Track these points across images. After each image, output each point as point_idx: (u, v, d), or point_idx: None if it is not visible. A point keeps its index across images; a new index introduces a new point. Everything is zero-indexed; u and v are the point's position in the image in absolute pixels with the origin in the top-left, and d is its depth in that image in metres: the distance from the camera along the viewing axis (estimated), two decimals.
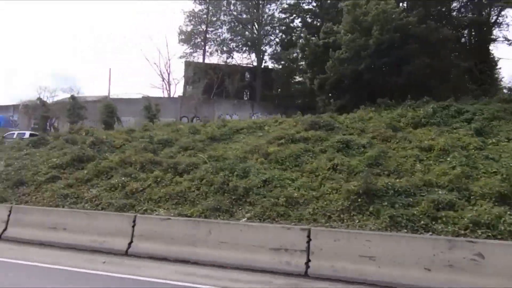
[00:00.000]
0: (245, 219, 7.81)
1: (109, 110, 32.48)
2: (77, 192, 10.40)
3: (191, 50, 46.08)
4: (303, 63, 38.65)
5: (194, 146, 12.62)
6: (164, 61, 44.82)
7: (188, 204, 9.00)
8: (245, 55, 46.06)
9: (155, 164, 11.45)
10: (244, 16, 43.56)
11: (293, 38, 38.36)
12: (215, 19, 44.52)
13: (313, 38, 20.76)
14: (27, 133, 29.00)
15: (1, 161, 14.41)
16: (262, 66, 44.16)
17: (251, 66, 45.33)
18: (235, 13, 43.69)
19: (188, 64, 45.98)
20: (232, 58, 45.84)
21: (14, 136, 27.77)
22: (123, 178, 10.62)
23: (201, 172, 10.16)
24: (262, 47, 44.42)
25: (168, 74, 45.72)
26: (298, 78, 38.60)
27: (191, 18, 44.68)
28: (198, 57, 45.82)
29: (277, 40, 43.38)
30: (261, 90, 43.74)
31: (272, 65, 43.96)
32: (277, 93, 41.71)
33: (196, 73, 43.63)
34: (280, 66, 41.57)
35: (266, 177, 9.51)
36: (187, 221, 6.74)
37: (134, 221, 6.82)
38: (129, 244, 6.74)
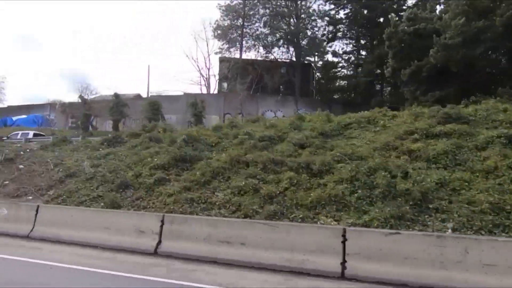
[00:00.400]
0: (450, 230, 6.41)
1: (155, 107, 31.42)
2: (202, 197, 9.13)
3: (228, 46, 44.73)
4: (349, 57, 37.36)
5: (310, 143, 11.25)
6: (203, 57, 43.30)
7: (353, 211, 7.63)
8: (283, 49, 44.57)
9: (277, 164, 10.11)
10: (283, 9, 42.03)
11: (338, 30, 36.72)
12: (252, 12, 43.10)
13: (401, 23, 19.11)
14: (31, 133, 28.44)
15: (85, 162, 13.32)
16: (302, 61, 42.68)
17: (290, 60, 43.81)
18: (273, 5, 42.19)
19: (222, 60, 44.81)
20: (270, 53, 44.42)
21: (19, 136, 27.15)
22: (250, 180, 9.31)
23: (346, 172, 8.77)
24: (301, 41, 42.89)
25: (208, 70, 44.40)
26: (344, 72, 36.93)
27: (228, 12, 43.33)
28: (234, 53, 44.44)
29: (318, 33, 41.73)
30: (300, 85, 42.30)
31: (312, 59, 42.43)
32: (321, 88, 40.17)
33: (232, 69, 42.48)
34: (319, 61, 40.13)
35: (435, 178, 8.07)
36: (424, 236, 5.35)
37: (344, 236, 5.46)
38: (342, 264, 5.37)
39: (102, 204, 9.50)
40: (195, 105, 31.24)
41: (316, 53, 42.10)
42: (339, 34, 36.70)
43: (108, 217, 8.04)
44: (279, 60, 43.76)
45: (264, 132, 12.75)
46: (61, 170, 12.93)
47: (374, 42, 33.58)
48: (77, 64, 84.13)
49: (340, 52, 37.39)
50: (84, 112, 34.39)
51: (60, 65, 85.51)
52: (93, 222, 7.98)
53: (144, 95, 48.34)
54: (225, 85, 45.81)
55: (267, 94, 37.75)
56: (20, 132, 30.20)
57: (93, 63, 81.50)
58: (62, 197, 10.67)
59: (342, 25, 36.35)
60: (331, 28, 39.24)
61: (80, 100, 35.45)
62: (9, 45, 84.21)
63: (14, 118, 40.59)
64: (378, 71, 30.07)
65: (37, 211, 8.18)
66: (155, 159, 11.48)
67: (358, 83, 31.77)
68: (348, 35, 36.12)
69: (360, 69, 34.27)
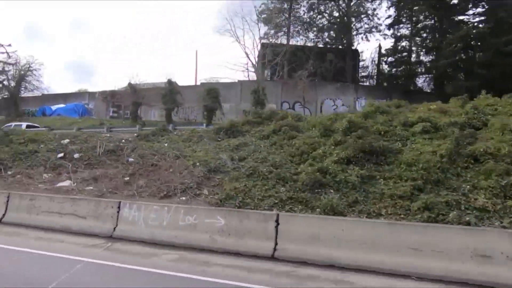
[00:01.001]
0: None
1: (213, 95, 29.22)
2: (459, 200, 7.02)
3: (274, 31, 42.28)
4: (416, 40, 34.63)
5: None
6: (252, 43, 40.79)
7: None
8: (333, 34, 42.13)
9: None
10: None
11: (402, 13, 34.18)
12: None
13: None
14: (24, 124, 26.89)
15: (223, 155, 11.24)
16: (354, 47, 40.29)
17: (342, 47, 41.43)
18: None
19: (266, 46, 42.39)
20: (320, 38, 42.03)
21: (12, 127, 25.23)
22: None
23: None
24: (353, 25, 40.45)
25: (264, 57, 41.99)
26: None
27: None
28: (281, 39, 42.01)
29: (373, 16, 39.16)
30: (352, 72, 39.98)
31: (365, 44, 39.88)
32: (381, 75, 37.78)
33: (279, 55, 40.08)
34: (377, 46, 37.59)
35: None
36: None
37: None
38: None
39: (317, 210, 7.38)
40: (257, 92, 29.07)
41: (368, 38, 39.57)
42: (403, 18, 34.11)
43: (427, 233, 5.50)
44: (332, 46, 41.35)
45: (444, 118, 10.56)
46: (198, 164, 10.88)
47: (444, 25, 31.12)
48: (82, 57, 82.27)
49: (407, 34, 34.82)
50: (133, 101, 32.30)
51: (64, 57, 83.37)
52: (393, 241, 5.49)
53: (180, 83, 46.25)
54: (268, 72, 43.52)
55: (327, 81, 35.44)
56: (13, 124, 28.67)
57: (103, 54, 79.47)
58: (234, 198, 8.59)
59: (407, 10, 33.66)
60: (392, 11, 36.67)
61: (129, 88, 33.17)
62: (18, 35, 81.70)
63: (53, 107, 38.61)
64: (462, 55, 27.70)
65: (277, 221, 6.00)
66: (335, 152, 9.36)
67: (436, 68, 29.42)
68: (414, 19, 33.59)
69: (432, 54, 31.84)
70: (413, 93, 37.83)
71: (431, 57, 33.13)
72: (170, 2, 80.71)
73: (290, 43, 41.39)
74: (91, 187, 11.08)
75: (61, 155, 13.67)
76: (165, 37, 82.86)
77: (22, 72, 38.53)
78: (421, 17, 33.56)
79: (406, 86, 37.32)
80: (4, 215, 8.38)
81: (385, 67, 40.62)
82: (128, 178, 11.46)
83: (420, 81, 39.42)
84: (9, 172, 12.48)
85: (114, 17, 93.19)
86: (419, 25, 33.46)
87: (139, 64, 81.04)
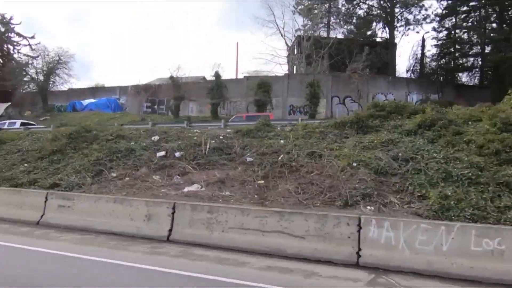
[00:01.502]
0: None
1: (265, 88, 27.45)
2: None
3: (311, 23, 40.35)
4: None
5: None
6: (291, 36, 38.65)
7: None
8: (373, 27, 40.32)
9: None
10: None
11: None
12: None
13: None
14: (18, 122, 26.26)
15: (380, 153, 9.43)
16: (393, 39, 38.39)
17: (383, 39, 39.60)
18: None
19: (302, 39, 40.46)
20: (360, 30, 40.18)
21: (6, 125, 24.75)
22: None
23: None
24: (396, 17, 38.59)
25: (295, 50, 40.10)
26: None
27: None
28: (319, 31, 40.11)
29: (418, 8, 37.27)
30: (395, 66, 38.23)
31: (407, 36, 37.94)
32: (431, 69, 35.96)
33: (316, 48, 38.16)
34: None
35: None
36: None
37: None
38: None
39: None
40: (313, 86, 27.22)
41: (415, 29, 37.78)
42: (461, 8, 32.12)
43: None
44: (375, 39, 39.50)
45: None
46: (356, 165, 9.06)
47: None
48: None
49: (463, 25, 32.91)
50: (175, 95, 30.39)
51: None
52: None
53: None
54: (302, 66, 41.61)
55: (379, 75, 33.59)
56: (7, 121, 27.29)
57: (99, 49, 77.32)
58: (454, 209, 6.80)
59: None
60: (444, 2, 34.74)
61: (169, 81, 31.23)
62: None
63: (84, 102, 36.67)
64: None
65: None
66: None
67: (497, 61, 27.59)
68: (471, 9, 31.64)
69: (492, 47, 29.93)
70: (465, 88, 36.19)
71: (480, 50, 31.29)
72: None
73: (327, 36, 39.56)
74: (227, 192, 9.28)
75: (162, 153, 11.86)
76: (176, 31, 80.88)
77: (51, 65, 36.55)
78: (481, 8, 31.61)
79: (456, 80, 35.61)
80: (170, 231, 6.57)
81: (427, 60, 38.98)
82: (263, 182, 9.66)
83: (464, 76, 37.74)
84: (113, 174, 10.66)
85: (115, 13, 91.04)
86: (476, 16, 31.60)
87: (147, 59, 79.15)
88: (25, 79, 40.02)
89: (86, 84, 40.29)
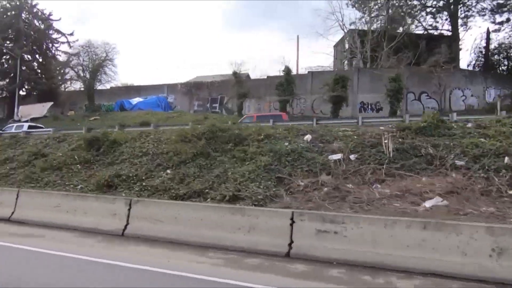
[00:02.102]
0: None
1: (343, 83, 25.25)
2: None
3: (364, 16, 38.07)
4: None
5: None
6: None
7: None
8: (432, 18, 37.88)
9: None
10: None
11: None
12: None
13: None
14: (26, 125, 24.61)
15: None
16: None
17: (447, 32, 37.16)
18: None
19: (355, 33, 38.16)
20: (420, 22, 37.80)
21: (13, 129, 23.80)
22: None
23: None
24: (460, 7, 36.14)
25: (346, 44, 37.84)
26: None
27: None
28: (376, 24, 37.79)
29: None
30: (459, 60, 35.72)
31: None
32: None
33: (372, 42, 35.84)
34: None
35: None
36: None
37: None
38: None
39: None
40: (397, 81, 24.95)
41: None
42: None
43: None
44: (440, 33, 37.05)
45: None
46: None
47: None
48: None
49: None
50: (239, 92, 28.25)
51: None
52: None
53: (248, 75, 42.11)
54: (356, 60, 39.30)
55: (456, 68, 31.21)
56: (15, 125, 25.69)
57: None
58: None
59: None
60: None
61: (234, 78, 29.10)
62: None
63: (133, 101, 34.71)
64: None
65: None
66: None
67: None
68: None
69: None
70: None
71: None
72: None
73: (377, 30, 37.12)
74: (486, 208, 7.08)
75: (337, 156, 9.71)
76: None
77: (97, 62, 34.69)
78: None
79: None
80: None
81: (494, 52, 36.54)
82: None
83: None
84: (301, 183, 8.51)
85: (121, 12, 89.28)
86: None
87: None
88: (67, 77, 38.29)
89: (111, 84, 37.75)
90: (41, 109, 35.87)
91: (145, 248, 6.26)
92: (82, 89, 37.83)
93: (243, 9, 78.57)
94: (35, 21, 39.03)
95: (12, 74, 37.02)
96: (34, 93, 38.49)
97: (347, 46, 42.54)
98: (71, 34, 40.74)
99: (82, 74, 34.47)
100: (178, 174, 9.60)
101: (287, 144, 10.43)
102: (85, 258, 5.48)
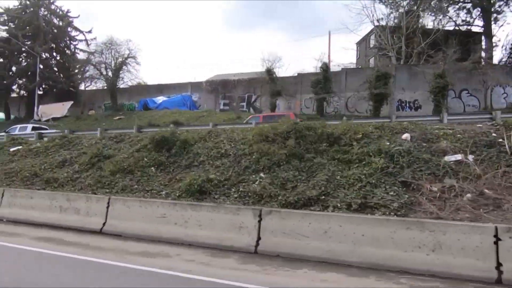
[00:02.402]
0: None
1: (385, 80, 24.13)
2: None
3: (391, 10, 36.85)
4: None
5: None
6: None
7: None
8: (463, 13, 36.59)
9: None
10: None
11: None
12: None
13: None
14: (29, 127, 24.00)
15: None
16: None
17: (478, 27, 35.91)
18: None
19: (383, 28, 36.94)
20: (450, 18, 36.54)
21: (17, 130, 23.22)
22: None
23: None
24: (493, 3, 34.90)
25: (370, 41, 36.70)
26: None
27: None
28: (403, 19, 36.45)
29: None
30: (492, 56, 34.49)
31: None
32: None
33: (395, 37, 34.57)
34: None
35: None
36: None
37: None
38: None
39: None
40: (443, 77, 23.81)
41: None
42: None
43: None
44: (468, 29, 35.79)
45: None
46: None
47: None
48: None
49: None
50: (272, 90, 27.09)
51: None
52: None
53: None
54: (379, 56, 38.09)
55: (498, 64, 30.05)
56: (19, 126, 24.87)
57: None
58: None
59: None
60: None
61: (267, 76, 27.94)
62: None
63: (157, 100, 33.63)
64: None
65: None
66: None
67: None
68: None
69: None
70: None
71: None
72: None
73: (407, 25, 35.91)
74: None
75: (456, 157, 8.59)
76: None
77: (120, 60, 33.57)
78: None
79: None
80: None
81: None
82: None
83: None
84: (434, 189, 7.39)
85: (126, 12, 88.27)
86: None
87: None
88: (87, 75, 37.23)
89: (133, 82, 36.51)
90: (61, 108, 34.86)
91: (312, 272, 5.13)
92: (101, 88, 36.78)
93: (243, 9, 77.47)
94: (54, 19, 37.96)
95: (29, 73, 35.95)
96: (53, 92, 37.47)
97: (371, 43, 41.52)
98: (89, 32, 39.75)
99: (104, 72, 33.29)
100: (276, 178, 8.50)
101: (388, 143, 9.33)
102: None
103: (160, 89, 36.41)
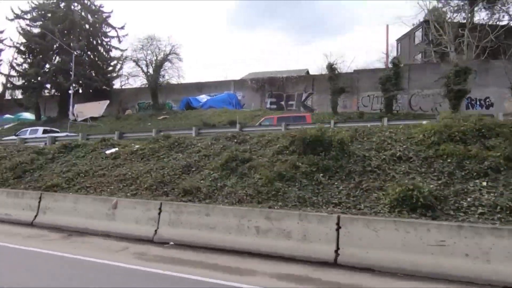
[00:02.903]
0: None
1: (465, 76, 22.22)
2: None
3: (442, 4, 34.80)
4: None
5: None
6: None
7: None
8: None
9: None
10: None
11: None
12: None
13: None
14: (40, 130, 22.67)
15: None
16: None
17: None
18: None
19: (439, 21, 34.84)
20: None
21: (27, 133, 22.04)
22: None
23: None
24: None
25: (420, 37, 34.75)
26: None
27: None
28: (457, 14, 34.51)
29: None
30: None
31: None
32: None
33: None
34: None
35: None
36: None
37: None
38: None
39: None
40: None
41: None
42: None
43: None
44: None
45: None
46: None
47: None
48: None
49: None
50: (334, 88, 25.19)
51: None
52: None
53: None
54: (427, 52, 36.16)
55: None
56: (29, 129, 23.24)
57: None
58: None
59: None
60: None
61: (328, 73, 26.04)
62: None
63: (201, 99, 31.80)
64: None
65: None
66: None
67: None
68: None
69: None
70: None
71: None
72: None
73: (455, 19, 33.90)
74: None
75: None
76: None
77: (161, 57, 31.79)
78: None
79: None
80: None
81: None
82: None
83: None
84: None
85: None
86: None
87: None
88: (123, 73, 35.52)
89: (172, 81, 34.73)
90: (98, 107, 33.12)
91: None
92: (137, 86, 35.05)
93: (246, 8, 75.77)
94: (89, 14, 36.23)
95: (63, 71, 34.20)
96: (87, 91, 35.72)
97: (416, 40, 39.63)
98: (122, 28, 37.99)
99: (145, 70, 31.51)
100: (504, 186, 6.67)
101: None
102: None
103: (199, 87, 34.60)
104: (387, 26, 32.76)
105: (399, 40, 43.59)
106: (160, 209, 6.80)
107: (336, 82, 25.54)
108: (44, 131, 22.81)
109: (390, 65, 24.98)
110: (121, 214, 7.13)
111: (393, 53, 46.42)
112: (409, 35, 40.22)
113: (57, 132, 23.47)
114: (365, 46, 74.93)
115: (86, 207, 7.60)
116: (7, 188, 10.20)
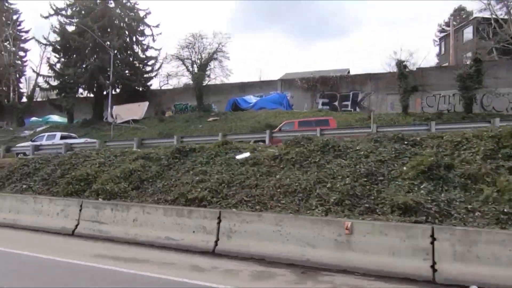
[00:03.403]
0: None
1: None
2: None
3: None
4: None
5: None
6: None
7: None
8: None
9: None
10: None
11: None
12: None
13: None
14: (58, 135, 21.33)
15: None
16: None
17: None
18: None
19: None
20: None
21: (44, 139, 20.58)
22: None
23: None
24: None
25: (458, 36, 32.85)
26: None
27: None
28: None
29: None
30: None
31: None
32: None
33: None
34: None
35: None
36: None
37: None
38: None
39: None
40: None
41: None
42: None
43: None
44: None
45: None
46: None
47: None
48: None
49: None
50: (406, 87, 23.20)
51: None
52: None
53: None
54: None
55: None
56: (46, 134, 21.57)
57: None
58: None
59: None
60: None
61: (398, 71, 24.06)
62: None
63: (249, 99, 29.96)
64: None
65: None
66: None
67: None
68: None
69: None
70: None
71: None
72: None
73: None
74: None
75: None
76: None
77: (208, 55, 29.95)
78: None
79: None
80: None
81: None
82: None
83: None
84: None
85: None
86: None
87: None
88: (163, 73, 33.76)
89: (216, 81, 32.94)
90: (138, 109, 31.30)
91: None
92: (178, 87, 33.32)
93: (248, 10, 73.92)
94: (126, 11, 34.52)
95: (101, 71, 32.42)
96: (125, 92, 33.93)
97: (465, 38, 37.81)
98: (157, 26, 36.26)
99: (190, 69, 29.72)
100: None
101: None
102: None
103: (243, 87, 32.77)
104: (450, 20, 30.69)
105: (442, 39, 41.80)
106: (432, 236, 4.89)
107: (407, 80, 23.66)
108: (62, 137, 20.91)
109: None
110: (360, 242, 5.25)
111: (434, 51, 44.60)
112: (456, 32, 38.43)
113: (75, 138, 21.64)
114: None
115: (297, 230, 5.71)
116: (132, 201, 8.36)
